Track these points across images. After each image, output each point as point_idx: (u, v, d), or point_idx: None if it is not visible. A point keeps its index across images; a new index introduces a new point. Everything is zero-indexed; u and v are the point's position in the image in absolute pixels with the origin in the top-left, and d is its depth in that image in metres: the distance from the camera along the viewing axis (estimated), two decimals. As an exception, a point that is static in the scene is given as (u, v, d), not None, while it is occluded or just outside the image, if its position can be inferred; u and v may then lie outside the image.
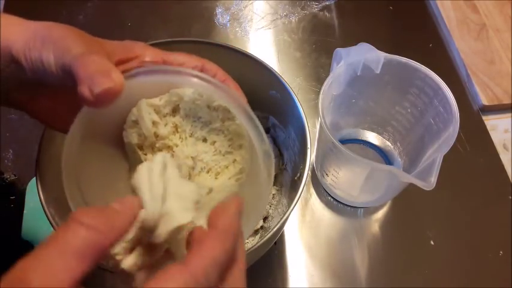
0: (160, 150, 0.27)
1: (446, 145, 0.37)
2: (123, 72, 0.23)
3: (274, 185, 0.46)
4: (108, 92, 0.21)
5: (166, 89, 0.27)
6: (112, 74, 0.22)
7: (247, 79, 0.44)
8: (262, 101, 0.45)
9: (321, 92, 0.40)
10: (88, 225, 0.18)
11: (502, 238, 0.48)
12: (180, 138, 0.28)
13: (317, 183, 0.51)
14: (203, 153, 0.27)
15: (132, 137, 0.27)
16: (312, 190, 0.51)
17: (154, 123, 0.27)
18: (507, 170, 0.53)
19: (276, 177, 0.46)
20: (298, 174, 0.38)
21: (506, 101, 0.58)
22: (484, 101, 0.58)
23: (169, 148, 0.27)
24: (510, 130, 0.57)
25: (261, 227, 0.44)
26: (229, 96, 0.25)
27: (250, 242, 0.43)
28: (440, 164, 0.35)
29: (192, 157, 0.27)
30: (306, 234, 0.48)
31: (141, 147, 0.28)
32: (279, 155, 0.46)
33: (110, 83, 0.21)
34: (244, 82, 0.44)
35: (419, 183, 0.34)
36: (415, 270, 0.46)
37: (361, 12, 0.68)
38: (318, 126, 0.48)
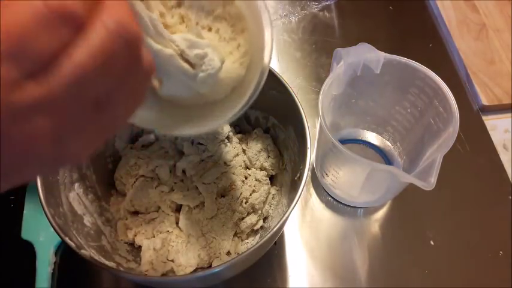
0: None
1: (446, 145, 0.37)
2: None
3: (274, 185, 0.46)
4: None
5: None
6: None
7: (247, 79, 0.44)
8: (262, 101, 0.45)
9: (321, 92, 0.40)
10: None
11: (502, 238, 0.48)
12: (186, 27, 0.29)
13: (317, 183, 0.51)
14: (209, 40, 0.29)
15: None
16: (312, 190, 0.51)
17: (161, 14, 0.28)
18: (507, 170, 0.53)
19: (276, 177, 0.46)
20: (298, 174, 0.38)
21: (506, 101, 0.58)
22: (484, 101, 0.58)
23: None
24: (510, 130, 0.57)
25: (261, 227, 0.44)
26: None
27: (250, 242, 0.43)
28: (440, 164, 0.35)
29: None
30: (306, 234, 0.48)
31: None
32: (279, 155, 0.46)
33: None
34: (244, 82, 0.45)
35: (419, 183, 0.34)
36: (415, 270, 0.46)
37: (361, 12, 0.68)
38: (318, 126, 0.48)
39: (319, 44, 0.64)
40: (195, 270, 0.40)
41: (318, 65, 0.62)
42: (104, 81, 0.18)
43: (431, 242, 0.48)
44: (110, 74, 0.18)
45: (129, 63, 0.19)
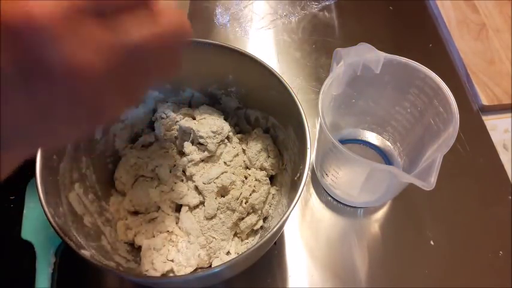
0: None
1: (446, 145, 0.37)
2: None
3: (274, 185, 0.46)
4: None
5: None
6: None
7: (247, 79, 0.44)
8: (262, 101, 0.45)
9: (321, 92, 0.40)
10: None
11: (502, 238, 0.48)
12: None
13: (317, 183, 0.51)
14: None
15: None
16: (312, 190, 0.51)
17: None
18: (507, 170, 0.53)
19: (276, 177, 0.46)
20: (298, 174, 0.38)
21: (506, 101, 0.58)
22: (484, 101, 0.58)
23: None
24: (510, 130, 0.57)
25: (261, 227, 0.44)
26: None
27: (250, 242, 0.43)
28: (440, 164, 0.35)
29: None
30: (306, 234, 0.48)
31: None
32: (279, 155, 0.46)
33: None
34: (244, 82, 0.45)
35: (419, 183, 0.34)
36: (415, 270, 0.46)
37: (361, 12, 0.68)
38: (318, 126, 0.48)
39: (319, 44, 0.64)
40: (195, 270, 0.40)
41: (318, 65, 0.62)
42: (151, 59, 0.20)
43: (431, 242, 0.48)
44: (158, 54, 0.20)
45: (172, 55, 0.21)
